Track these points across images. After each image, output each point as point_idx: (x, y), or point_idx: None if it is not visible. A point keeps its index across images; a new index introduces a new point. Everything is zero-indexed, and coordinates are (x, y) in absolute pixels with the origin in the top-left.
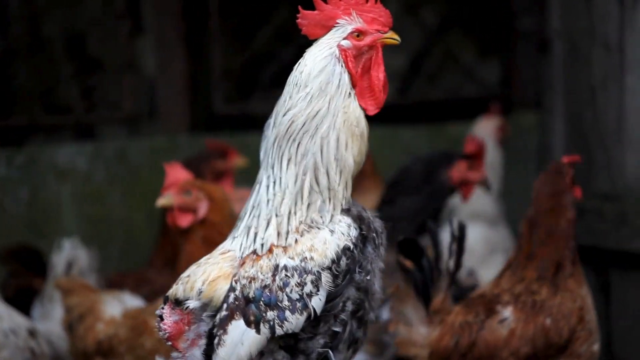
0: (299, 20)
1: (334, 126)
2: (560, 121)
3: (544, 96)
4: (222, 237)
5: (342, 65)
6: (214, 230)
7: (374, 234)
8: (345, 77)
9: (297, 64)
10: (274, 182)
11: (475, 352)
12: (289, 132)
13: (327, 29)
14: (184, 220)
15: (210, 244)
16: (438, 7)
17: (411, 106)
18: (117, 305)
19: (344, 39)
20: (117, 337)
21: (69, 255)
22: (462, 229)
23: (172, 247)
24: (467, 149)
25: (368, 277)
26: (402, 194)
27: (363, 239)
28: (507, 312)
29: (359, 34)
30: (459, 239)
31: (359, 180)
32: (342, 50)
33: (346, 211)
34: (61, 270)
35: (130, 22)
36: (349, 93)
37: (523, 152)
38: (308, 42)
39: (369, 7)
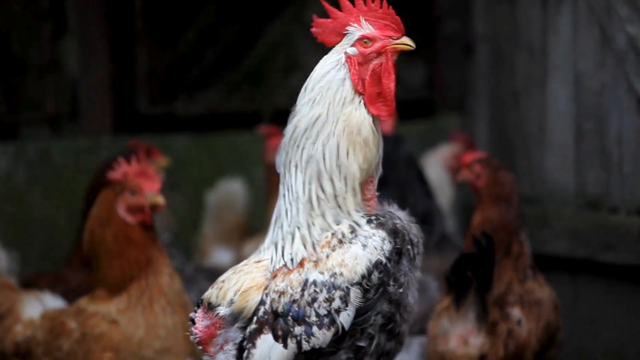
0: (313, 29)
1: (334, 133)
2: (484, 125)
3: (468, 100)
4: None
5: (346, 72)
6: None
7: (409, 246)
8: (348, 84)
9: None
10: (288, 190)
11: (515, 357)
12: (293, 138)
13: (342, 36)
14: None
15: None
16: None
17: None
18: (37, 306)
19: (351, 45)
20: (34, 339)
21: None
22: (488, 238)
23: None
24: None
25: (401, 290)
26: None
27: (398, 252)
28: (517, 312)
29: (366, 40)
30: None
31: None
32: (348, 57)
33: (381, 224)
34: None
35: (53, 22)
36: (351, 100)
37: None
38: (232, 44)
39: (381, 13)
